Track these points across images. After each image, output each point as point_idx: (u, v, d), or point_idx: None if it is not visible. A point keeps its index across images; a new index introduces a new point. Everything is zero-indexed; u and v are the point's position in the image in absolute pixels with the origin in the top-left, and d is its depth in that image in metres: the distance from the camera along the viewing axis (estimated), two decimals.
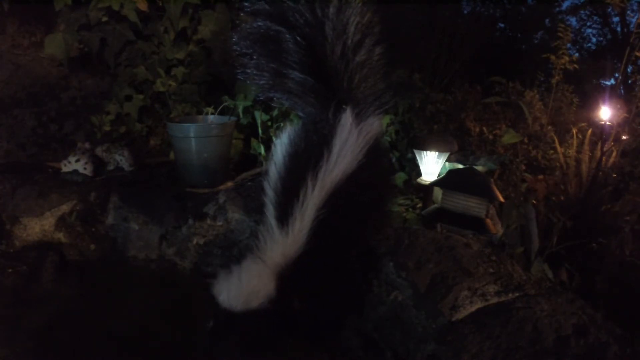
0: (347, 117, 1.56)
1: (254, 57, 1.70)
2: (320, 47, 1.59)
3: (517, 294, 1.58)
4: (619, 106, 2.62)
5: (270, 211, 1.56)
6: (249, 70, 1.72)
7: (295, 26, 1.58)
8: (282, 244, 1.50)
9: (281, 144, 1.63)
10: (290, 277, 1.51)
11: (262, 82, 1.73)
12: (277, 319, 1.50)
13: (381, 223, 1.85)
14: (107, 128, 2.98)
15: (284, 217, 1.49)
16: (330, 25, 1.56)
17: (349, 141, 1.53)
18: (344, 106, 1.60)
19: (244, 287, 1.47)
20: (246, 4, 1.67)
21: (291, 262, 1.50)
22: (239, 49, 1.70)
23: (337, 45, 1.58)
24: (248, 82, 1.77)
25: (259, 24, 1.65)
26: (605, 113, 2.40)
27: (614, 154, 2.43)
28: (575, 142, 2.61)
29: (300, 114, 1.79)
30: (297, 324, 1.60)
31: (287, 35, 1.59)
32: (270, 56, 1.67)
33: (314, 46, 1.59)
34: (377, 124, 1.65)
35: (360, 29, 1.60)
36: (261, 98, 1.79)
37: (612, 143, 2.45)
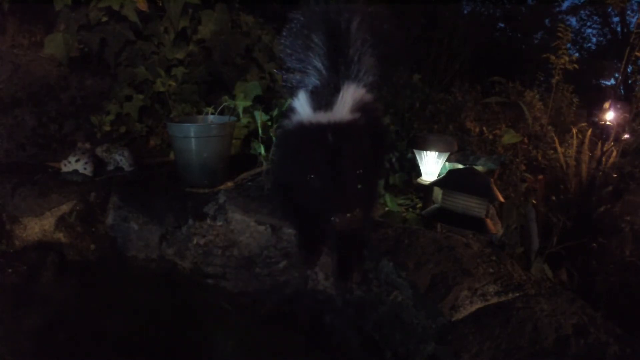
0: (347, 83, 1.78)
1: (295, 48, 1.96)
2: (345, 45, 1.85)
3: (517, 294, 1.58)
4: (619, 106, 2.62)
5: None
6: (287, 52, 1.97)
7: (327, 32, 1.85)
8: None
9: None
10: None
11: (292, 65, 1.97)
12: None
13: (375, 177, 1.95)
14: (107, 128, 2.98)
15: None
16: (353, 30, 1.83)
17: (349, 92, 1.70)
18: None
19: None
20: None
21: None
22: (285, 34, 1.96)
23: (355, 45, 1.86)
24: (287, 61, 1.98)
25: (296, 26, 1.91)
26: (606, 113, 2.40)
27: (614, 154, 2.44)
28: (575, 142, 2.61)
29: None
30: None
31: (319, 37, 1.86)
32: (303, 47, 1.93)
33: (339, 45, 1.85)
34: (368, 96, 1.85)
35: (377, 35, 1.88)
36: (282, 72, 2.04)
37: (612, 143, 2.45)
